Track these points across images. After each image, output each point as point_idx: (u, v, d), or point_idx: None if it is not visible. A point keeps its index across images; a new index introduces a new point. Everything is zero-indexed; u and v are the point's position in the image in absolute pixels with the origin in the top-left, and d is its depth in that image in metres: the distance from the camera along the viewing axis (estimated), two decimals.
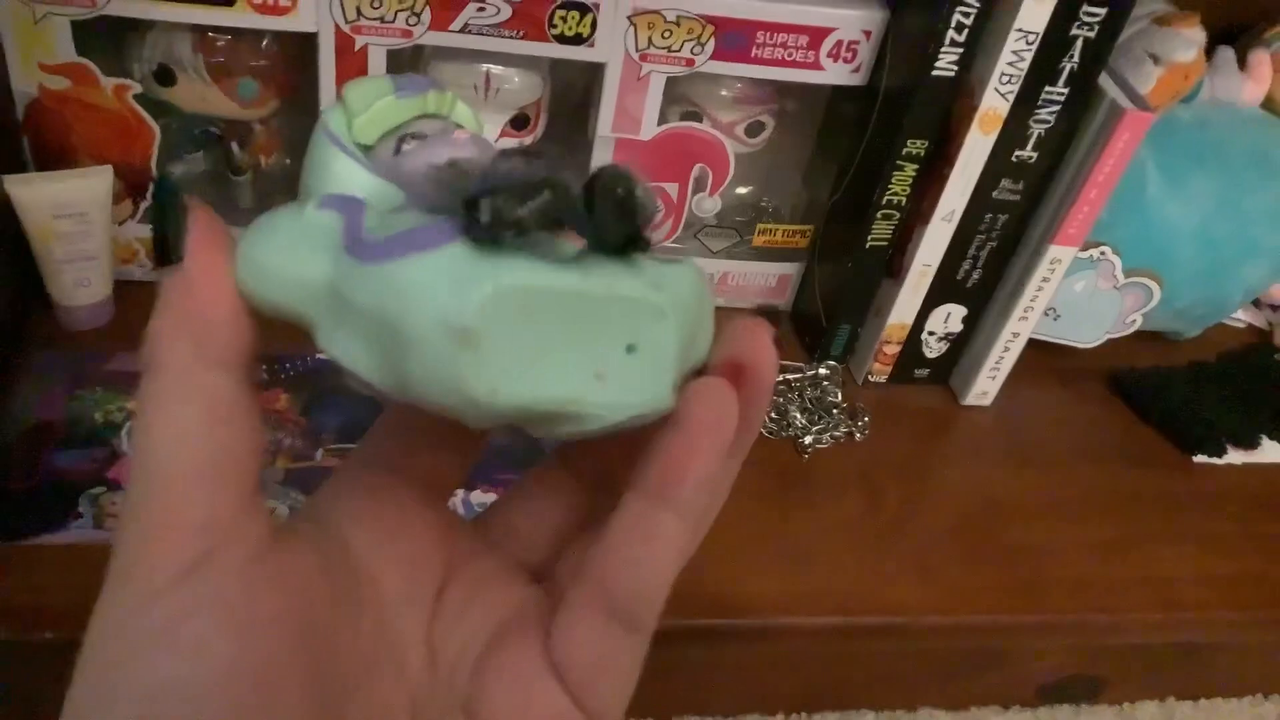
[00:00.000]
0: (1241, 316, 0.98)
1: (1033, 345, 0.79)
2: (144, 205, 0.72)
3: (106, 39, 0.67)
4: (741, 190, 0.85)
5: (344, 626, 0.25)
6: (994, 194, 0.72)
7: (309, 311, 0.23)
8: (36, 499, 0.61)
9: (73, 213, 0.67)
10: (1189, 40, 0.77)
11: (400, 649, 0.27)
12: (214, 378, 0.23)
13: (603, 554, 0.24)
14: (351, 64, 0.67)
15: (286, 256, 0.23)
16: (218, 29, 0.67)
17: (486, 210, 0.22)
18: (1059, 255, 0.73)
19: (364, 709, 0.25)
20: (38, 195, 0.66)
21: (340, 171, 0.25)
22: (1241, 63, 0.86)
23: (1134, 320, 0.85)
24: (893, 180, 0.72)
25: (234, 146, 0.74)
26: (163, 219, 0.24)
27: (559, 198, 0.22)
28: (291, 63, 0.70)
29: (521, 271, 0.22)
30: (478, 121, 0.28)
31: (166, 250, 0.24)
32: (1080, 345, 0.86)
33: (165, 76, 0.68)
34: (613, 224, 0.23)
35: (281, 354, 0.72)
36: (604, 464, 0.29)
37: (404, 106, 0.26)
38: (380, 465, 0.29)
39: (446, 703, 0.26)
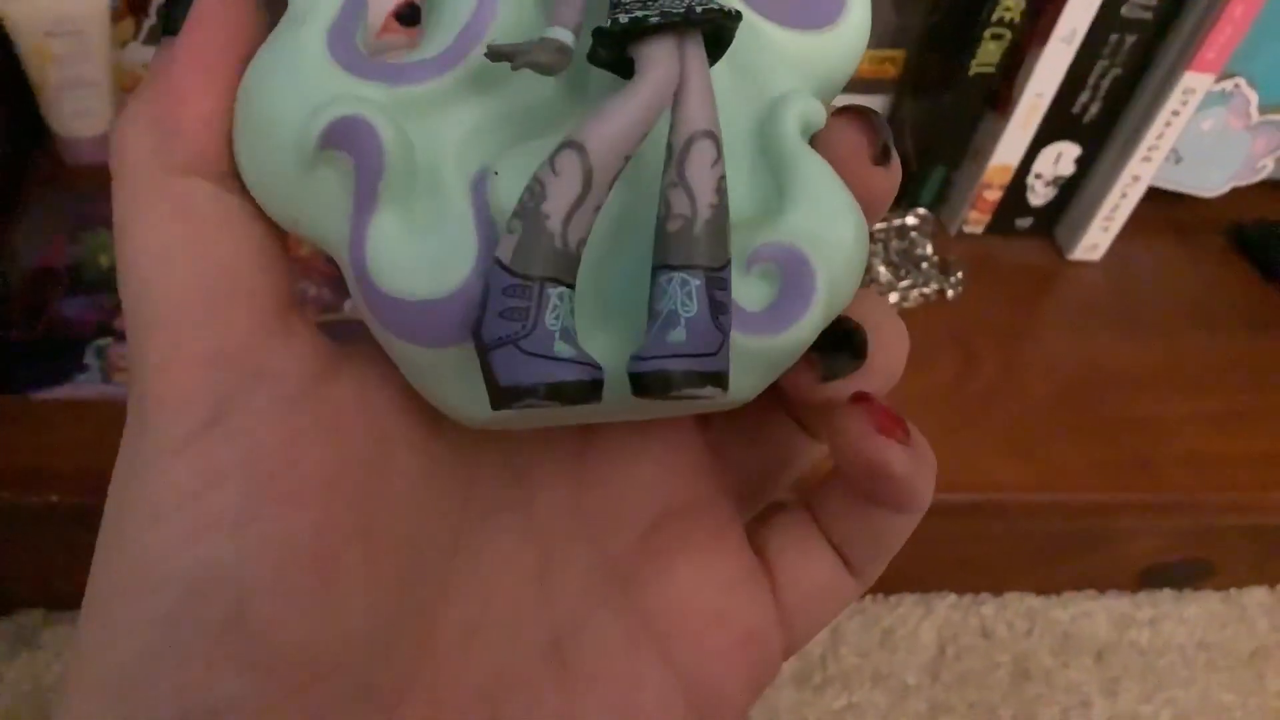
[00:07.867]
0: None
1: (1145, 194, 0.70)
2: (147, 24, 0.64)
3: None
4: None
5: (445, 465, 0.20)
6: (1122, 10, 0.62)
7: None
8: (39, 350, 0.56)
9: (68, 30, 0.59)
10: None
11: (530, 487, 0.21)
12: (186, 185, 0.17)
13: None
14: None
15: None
16: None
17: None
18: (1193, 84, 0.63)
19: (473, 561, 0.20)
20: (28, 10, 0.59)
21: None
22: None
23: (1264, 165, 0.76)
24: None
25: None
26: None
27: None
28: None
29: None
30: None
31: (168, 19, 0.16)
32: (1202, 194, 0.76)
33: None
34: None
35: None
36: None
37: None
38: None
39: (588, 563, 0.21)
